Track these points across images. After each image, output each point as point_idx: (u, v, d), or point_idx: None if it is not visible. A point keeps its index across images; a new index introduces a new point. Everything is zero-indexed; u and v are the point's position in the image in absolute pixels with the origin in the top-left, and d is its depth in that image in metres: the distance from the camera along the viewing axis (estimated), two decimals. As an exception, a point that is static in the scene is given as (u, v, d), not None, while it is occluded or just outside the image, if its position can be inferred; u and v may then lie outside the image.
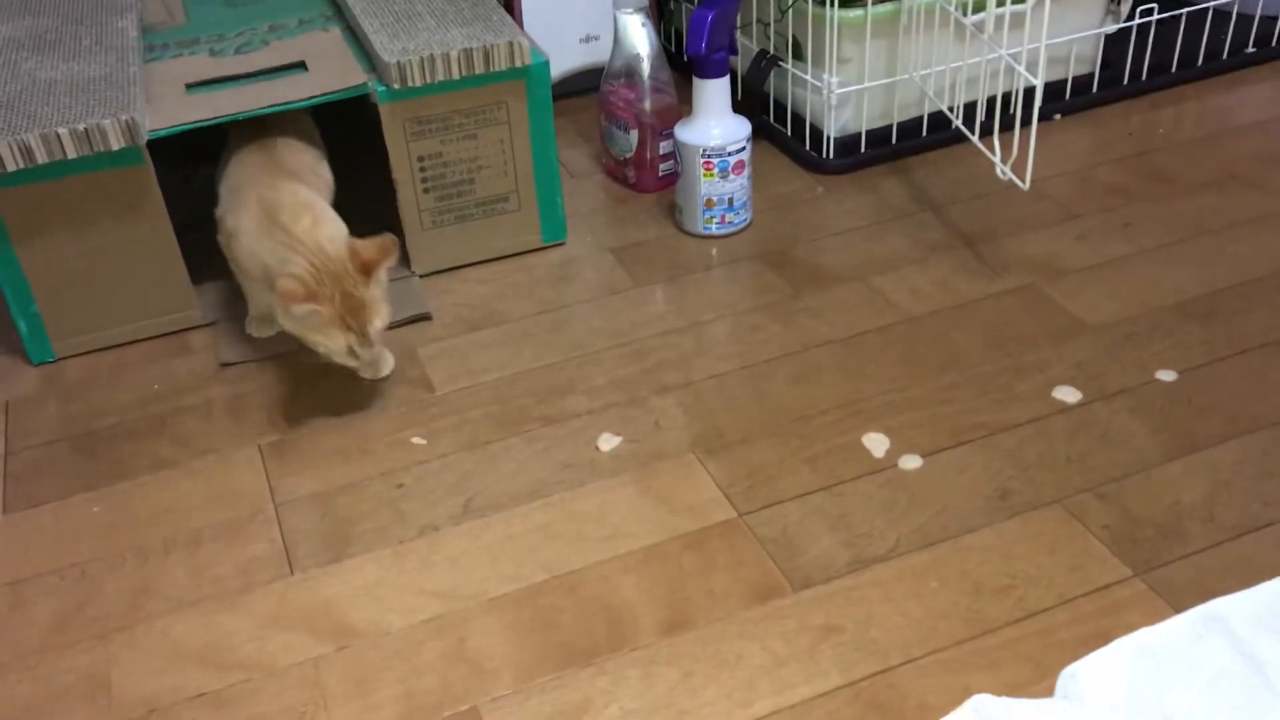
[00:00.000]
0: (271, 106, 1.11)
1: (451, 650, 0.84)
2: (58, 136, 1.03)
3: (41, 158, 1.03)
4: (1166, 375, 1.04)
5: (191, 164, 1.31)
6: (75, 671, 0.84)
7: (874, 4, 1.31)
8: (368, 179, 1.20)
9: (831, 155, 1.38)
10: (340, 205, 1.11)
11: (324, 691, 0.82)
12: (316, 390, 1.09)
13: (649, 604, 0.86)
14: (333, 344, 1.00)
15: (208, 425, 1.07)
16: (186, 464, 1.02)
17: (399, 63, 1.11)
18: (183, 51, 1.24)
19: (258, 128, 1.14)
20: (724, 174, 1.24)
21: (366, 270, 1.00)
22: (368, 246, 1.00)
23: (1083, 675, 0.63)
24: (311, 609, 0.88)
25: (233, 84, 1.16)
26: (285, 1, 1.35)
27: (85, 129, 1.04)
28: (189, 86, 1.15)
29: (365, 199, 1.16)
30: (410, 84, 1.13)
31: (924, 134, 1.40)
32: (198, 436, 1.05)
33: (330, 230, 1.04)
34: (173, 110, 1.10)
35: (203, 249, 1.15)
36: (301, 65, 1.18)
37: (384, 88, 1.13)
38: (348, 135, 1.27)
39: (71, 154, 1.04)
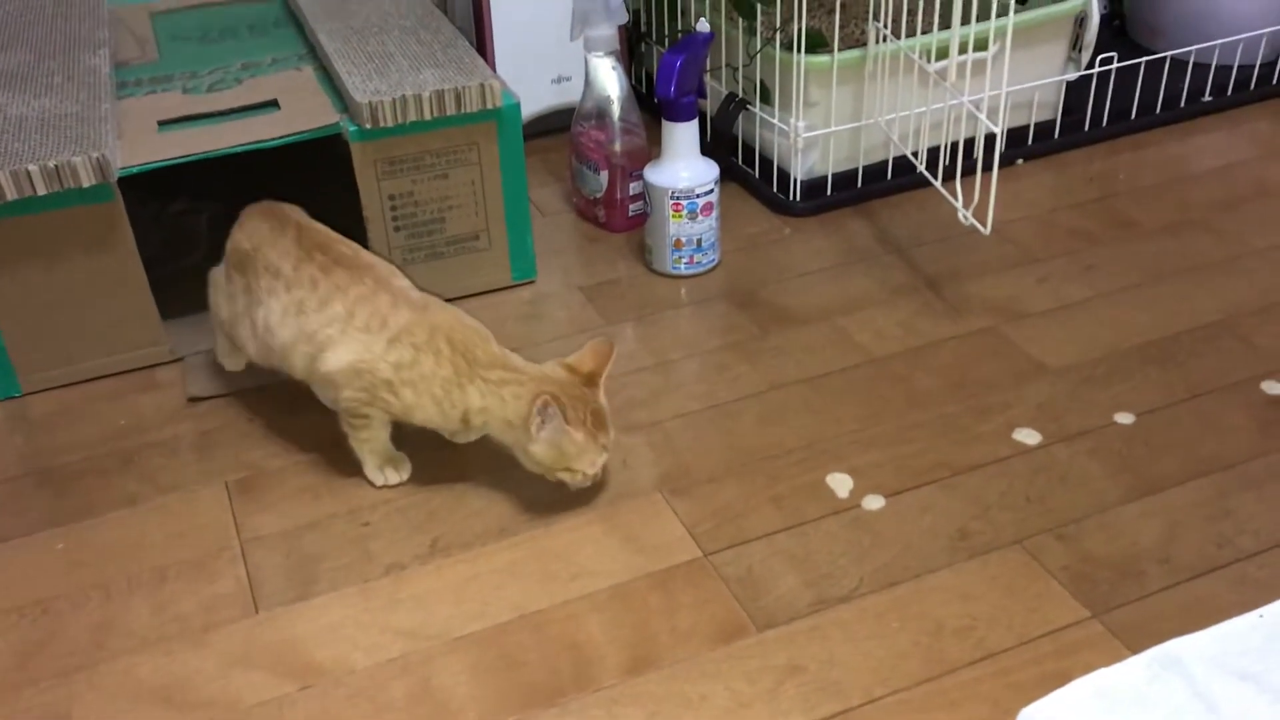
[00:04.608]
0: (244, 145, 1.11)
1: (416, 690, 0.84)
2: (28, 173, 1.03)
3: (11, 194, 1.03)
4: (1125, 418, 1.06)
5: (162, 199, 1.31)
6: (36, 711, 0.83)
7: (840, 50, 1.33)
8: (338, 216, 1.20)
9: (798, 197, 1.40)
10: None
11: (288, 731, 0.81)
12: (284, 427, 1.09)
13: (614, 644, 0.87)
14: (590, 469, 0.95)
15: (174, 461, 1.06)
16: (152, 501, 1.02)
17: (371, 103, 1.12)
18: (155, 88, 1.24)
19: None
20: (692, 215, 1.25)
21: (592, 382, 0.96)
22: (585, 357, 0.97)
23: (1041, 716, 0.64)
24: (276, 647, 0.88)
25: (205, 121, 1.17)
26: (259, 40, 1.36)
27: (55, 166, 1.04)
28: (161, 124, 1.16)
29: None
30: (382, 124, 1.14)
31: (889, 177, 1.43)
32: (164, 473, 1.05)
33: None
34: (145, 148, 1.11)
35: (171, 284, 1.15)
36: (274, 104, 1.19)
37: (356, 127, 1.14)
38: (318, 172, 1.28)
39: (41, 190, 1.04)
